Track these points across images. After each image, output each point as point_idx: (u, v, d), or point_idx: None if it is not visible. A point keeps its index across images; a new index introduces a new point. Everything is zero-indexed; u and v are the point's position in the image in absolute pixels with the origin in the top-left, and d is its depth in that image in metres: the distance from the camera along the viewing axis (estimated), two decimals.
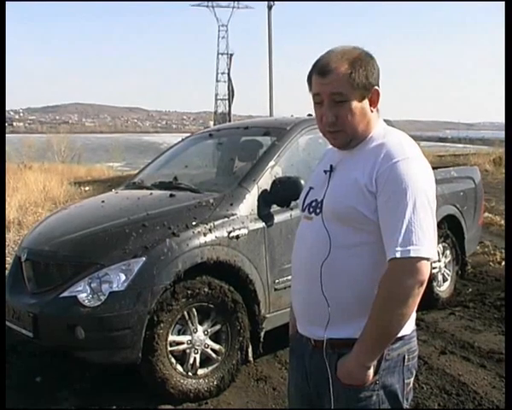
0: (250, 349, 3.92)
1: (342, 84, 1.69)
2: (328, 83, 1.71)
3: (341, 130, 1.74)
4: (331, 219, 1.74)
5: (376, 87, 1.76)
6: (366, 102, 1.74)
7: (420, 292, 1.62)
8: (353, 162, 1.75)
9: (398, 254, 1.59)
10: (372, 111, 1.77)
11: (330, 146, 1.89)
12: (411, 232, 1.59)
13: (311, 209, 1.83)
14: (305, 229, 1.87)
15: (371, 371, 1.67)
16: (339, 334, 1.73)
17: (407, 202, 1.61)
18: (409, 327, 1.74)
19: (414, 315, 1.77)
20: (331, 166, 1.82)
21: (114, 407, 3.59)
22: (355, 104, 1.72)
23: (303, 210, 1.89)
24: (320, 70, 1.73)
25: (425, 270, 1.60)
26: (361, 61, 1.72)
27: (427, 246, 1.60)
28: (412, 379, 1.80)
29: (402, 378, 1.74)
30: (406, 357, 1.75)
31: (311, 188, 1.89)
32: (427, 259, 1.60)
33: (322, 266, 1.73)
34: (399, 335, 1.68)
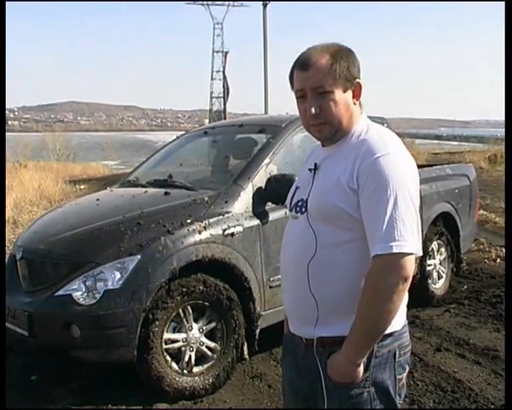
0: (245, 347, 3.91)
1: (324, 76, 1.71)
2: (310, 76, 1.72)
3: (326, 122, 1.74)
4: (316, 218, 1.74)
5: (358, 80, 1.77)
6: (349, 94, 1.75)
7: (405, 288, 1.61)
8: (336, 160, 1.75)
9: (380, 251, 1.59)
10: (355, 104, 1.78)
11: (318, 143, 1.90)
12: (393, 228, 1.59)
13: (298, 209, 1.84)
14: (291, 228, 1.89)
15: (361, 369, 1.67)
16: (329, 332, 1.73)
17: (388, 198, 1.60)
18: (398, 323, 1.73)
19: (404, 311, 1.77)
20: (315, 164, 1.83)
21: (110, 406, 3.58)
22: (338, 95, 1.72)
23: (290, 210, 1.89)
24: (301, 65, 1.75)
25: (409, 265, 1.59)
26: (341, 54, 1.74)
27: (409, 241, 1.59)
28: (405, 375, 1.79)
29: (393, 374, 1.74)
30: (397, 353, 1.74)
31: (297, 187, 1.90)
32: (411, 254, 1.60)
33: (308, 265, 1.73)
34: (389, 331, 1.68)
